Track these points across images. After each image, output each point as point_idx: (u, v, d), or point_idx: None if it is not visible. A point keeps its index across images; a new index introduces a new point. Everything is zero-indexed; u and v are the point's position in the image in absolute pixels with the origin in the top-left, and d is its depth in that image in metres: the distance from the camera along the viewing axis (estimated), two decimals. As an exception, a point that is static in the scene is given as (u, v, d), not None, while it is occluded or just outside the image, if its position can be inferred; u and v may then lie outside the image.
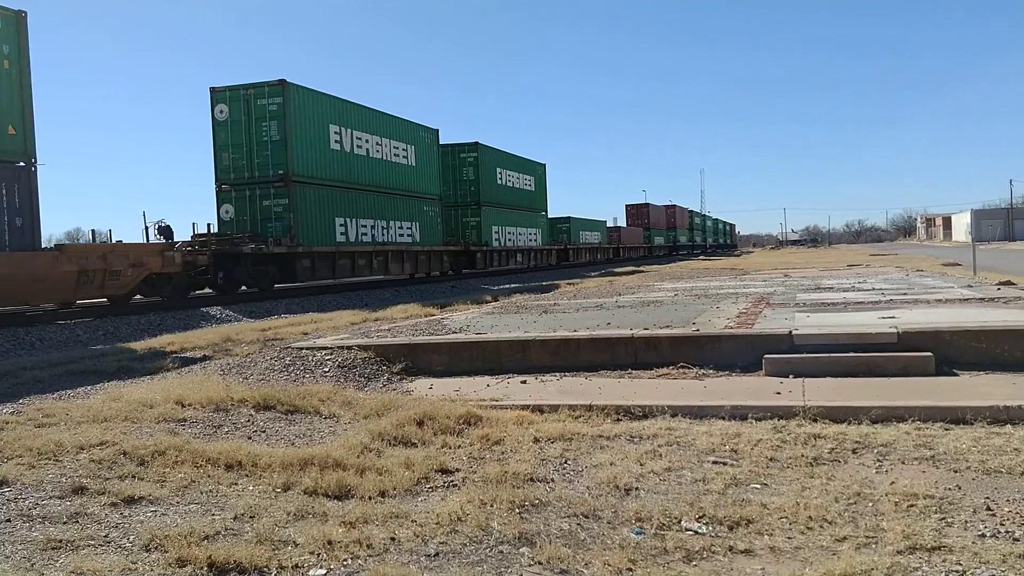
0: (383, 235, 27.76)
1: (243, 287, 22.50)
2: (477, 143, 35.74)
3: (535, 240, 43.77)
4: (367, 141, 27.04)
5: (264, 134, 22.78)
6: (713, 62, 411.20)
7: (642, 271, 36.24)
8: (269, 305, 20.12)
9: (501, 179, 38.59)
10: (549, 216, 49.29)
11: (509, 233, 39.29)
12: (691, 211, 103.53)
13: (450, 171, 35.02)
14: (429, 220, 31.13)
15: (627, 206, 79.56)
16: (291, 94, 22.99)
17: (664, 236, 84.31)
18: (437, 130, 32.58)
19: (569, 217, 54.01)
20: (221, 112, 22.98)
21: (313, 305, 20.13)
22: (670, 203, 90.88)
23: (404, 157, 29.62)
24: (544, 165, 46.17)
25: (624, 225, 74.88)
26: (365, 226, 26.61)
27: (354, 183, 26.12)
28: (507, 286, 27.29)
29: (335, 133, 25.22)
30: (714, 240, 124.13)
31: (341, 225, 25.28)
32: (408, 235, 29.41)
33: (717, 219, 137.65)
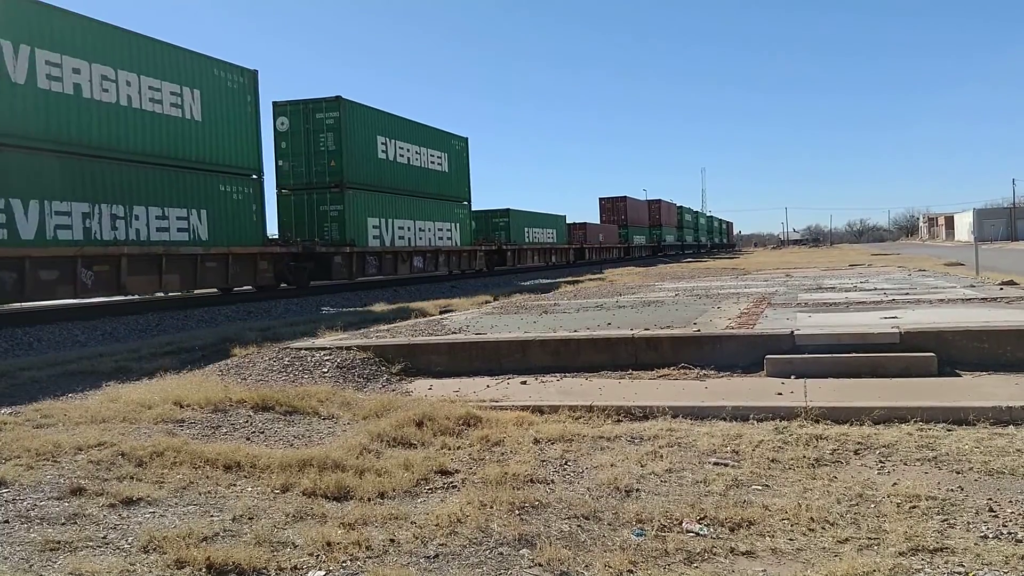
0: (104, 228, 16.31)
1: None
2: (339, 98, 25.06)
3: (450, 238, 32.61)
4: (54, 64, 15.32)
5: None
6: (713, 62, 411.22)
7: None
8: None
9: (386, 152, 27.61)
10: (477, 208, 39.12)
11: (401, 228, 28.33)
12: (681, 207, 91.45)
13: (300, 139, 25.15)
14: (233, 207, 20.03)
15: (601, 200, 68.07)
16: None
17: (646, 235, 73.94)
18: (255, 72, 20.83)
19: (508, 209, 42.18)
20: None
21: None
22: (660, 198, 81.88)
23: (175, 104, 18.17)
24: (465, 139, 34.54)
25: (599, 222, 64.20)
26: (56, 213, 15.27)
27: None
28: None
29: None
30: (708, 239, 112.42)
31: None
32: (182, 231, 18.19)
33: (712, 216, 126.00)
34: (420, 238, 30.04)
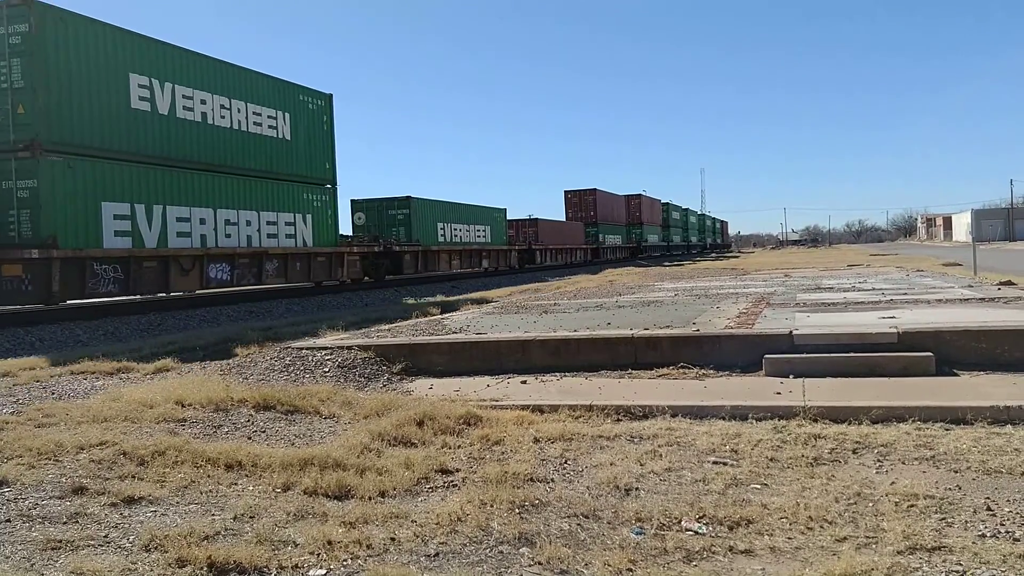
0: None
1: None
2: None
3: (292, 235, 21.69)
4: None
5: None
6: (713, 62, 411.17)
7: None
8: None
9: (151, 100, 17.25)
10: (364, 196, 31.51)
11: (184, 221, 17.87)
12: (667, 203, 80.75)
13: None
14: None
15: (566, 193, 57.84)
16: None
17: (623, 234, 63.94)
18: None
19: (409, 197, 31.52)
20: None
21: None
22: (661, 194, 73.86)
23: None
24: (327, 96, 23.74)
25: (564, 219, 55.21)
26: None
27: None
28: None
29: None
30: (700, 239, 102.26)
31: None
32: None
33: (705, 214, 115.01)
34: (228, 235, 19.36)
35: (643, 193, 69.62)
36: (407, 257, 30.37)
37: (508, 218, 43.49)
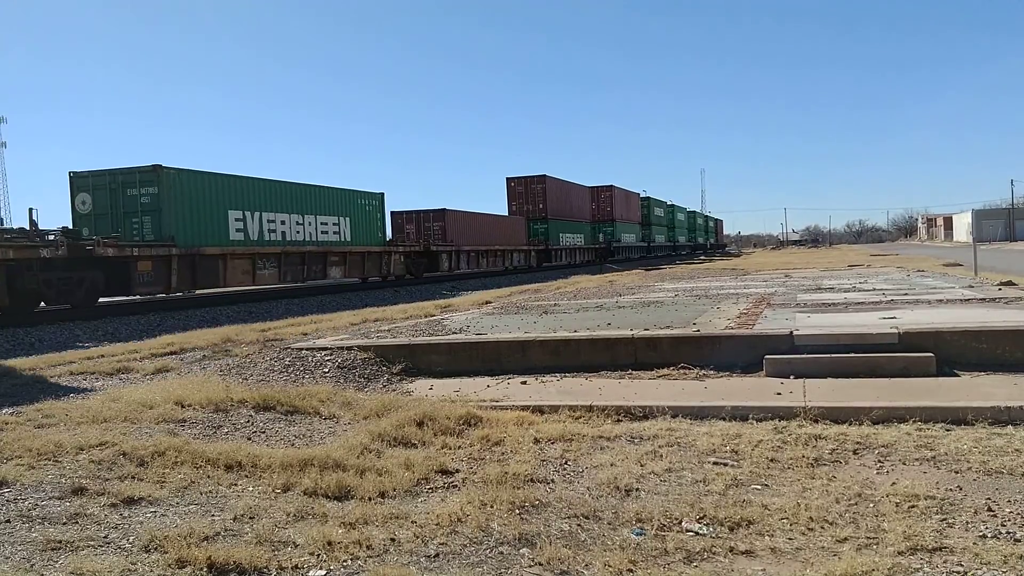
0: None
1: None
2: None
3: None
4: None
5: None
6: (713, 71, 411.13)
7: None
8: None
9: None
10: (93, 167, 20.39)
11: None
12: (648, 197, 69.18)
13: None
14: None
15: (508, 181, 44.73)
16: None
17: (587, 233, 52.19)
18: None
19: (158, 167, 19.51)
20: None
21: None
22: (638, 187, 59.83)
23: None
24: None
25: (507, 213, 43.62)
26: None
27: None
28: None
29: None
30: (690, 239, 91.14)
31: None
32: None
33: (696, 212, 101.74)
34: None
35: (614, 185, 57.33)
36: (141, 267, 18.26)
37: (402, 209, 34.09)
